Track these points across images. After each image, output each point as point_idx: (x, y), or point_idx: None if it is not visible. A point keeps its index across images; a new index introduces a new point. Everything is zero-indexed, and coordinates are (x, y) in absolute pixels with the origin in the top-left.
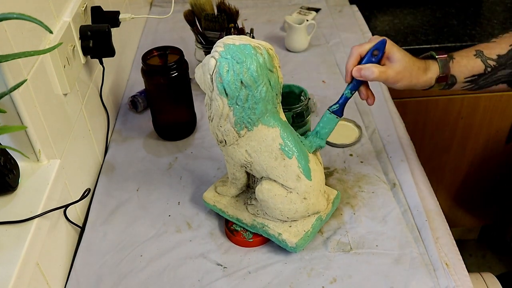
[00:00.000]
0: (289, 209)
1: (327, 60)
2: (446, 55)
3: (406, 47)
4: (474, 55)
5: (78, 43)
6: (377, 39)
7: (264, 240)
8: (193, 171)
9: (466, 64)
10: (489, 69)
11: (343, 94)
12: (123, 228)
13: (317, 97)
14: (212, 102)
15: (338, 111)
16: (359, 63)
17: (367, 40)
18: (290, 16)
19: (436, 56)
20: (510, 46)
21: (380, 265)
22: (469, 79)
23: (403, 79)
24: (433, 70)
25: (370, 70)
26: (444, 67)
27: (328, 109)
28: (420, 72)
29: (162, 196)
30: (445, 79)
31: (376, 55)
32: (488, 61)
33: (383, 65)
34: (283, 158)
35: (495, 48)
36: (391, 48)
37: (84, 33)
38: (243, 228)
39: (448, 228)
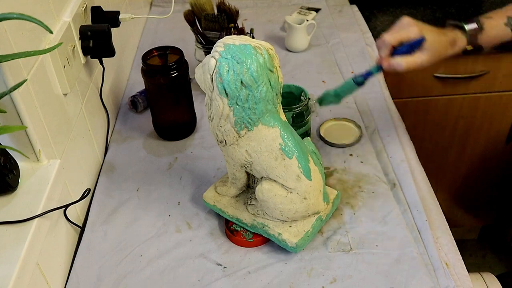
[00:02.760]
0: (289, 209)
1: (327, 60)
2: (476, 26)
3: None
4: (505, 23)
5: (78, 43)
6: (411, 29)
7: (264, 240)
8: (193, 171)
9: (495, 34)
10: None
11: (369, 70)
12: (123, 228)
13: (317, 97)
14: (212, 102)
15: (361, 82)
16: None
17: (394, 26)
18: (290, 16)
19: (466, 29)
20: None
21: (380, 265)
22: (495, 46)
23: (430, 61)
24: (460, 43)
25: (399, 64)
26: (473, 39)
27: (352, 78)
28: (448, 47)
29: (162, 196)
30: (472, 49)
31: (411, 49)
32: None
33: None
34: (283, 158)
35: None
36: (423, 33)
37: (84, 33)
38: (243, 228)
39: (448, 228)
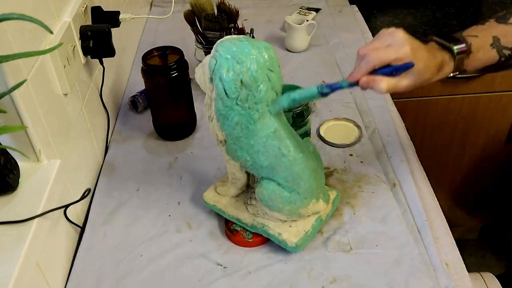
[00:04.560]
0: (289, 209)
1: (327, 60)
2: (464, 46)
3: None
4: (491, 44)
5: (78, 43)
6: (402, 49)
7: (264, 240)
8: (193, 171)
9: (481, 57)
10: (502, 59)
11: (339, 83)
12: (123, 228)
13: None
14: (212, 102)
15: (326, 94)
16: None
17: (384, 37)
18: (290, 16)
19: (455, 50)
20: None
21: (380, 265)
22: (479, 69)
23: (413, 87)
24: (446, 68)
25: (379, 86)
26: (460, 64)
27: (317, 87)
28: (434, 73)
29: (162, 196)
30: (456, 74)
31: (395, 72)
32: (504, 50)
33: None
34: (283, 158)
35: None
36: (414, 57)
37: (84, 33)
38: (243, 228)
39: (448, 228)
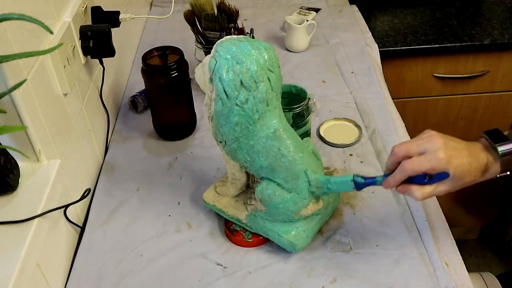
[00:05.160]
0: (289, 209)
1: (327, 60)
2: (511, 151)
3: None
4: None
5: (78, 43)
6: (437, 157)
7: (263, 240)
8: (193, 171)
9: None
10: None
11: (375, 179)
12: (123, 228)
13: (317, 97)
14: (212, 102)
15: (360, 184)
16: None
17: (421, 141)
18: (290, 16)
19: (500, 155)
20: None
21: (380, 265)
22: None
23: (451, 190)
24: (493, 170)
25: (414, 196)
26: (507, 164)
27: (354, 175)
28: (477, 176)
29: (162, 196)
30: (507, 174)
31: (429, 180)
32: None
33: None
34: (283, 158)
35: None
36: (450, 165)
37: (84, 33)
38: (243, 228)
39: (448, 228)
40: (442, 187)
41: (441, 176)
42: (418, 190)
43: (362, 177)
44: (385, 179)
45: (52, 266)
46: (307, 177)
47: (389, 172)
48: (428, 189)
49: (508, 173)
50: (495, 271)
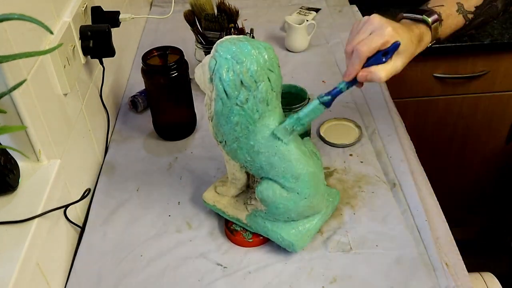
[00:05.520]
0: (289, 209)
1: (327, 60)
2: (437, 17)
3: None
4: (457, 10)
5: (78, 43)
6: (385, 31)
7: (263, 240)
8: (193, 171)
9: (451, 23)
10: (467, 22)
11: (337, 87)
12: (123, 228)
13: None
14: (212, 102)
15: (328, 102)
16: (365, 63)
17: (363, 27)
18: (290, 16)
19: (430, 21)
20: None
21: (380, 265)
22: (450, 34)
23: (405, 64)
24: (426, 39)
25: (378, 76)
26: (435, 33)
27: (318, 98)
28: (416, 46)
29: (162, 196)
30: (433, 43)
31: (385, 56)
32: (468, 14)
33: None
34: (283, 158)
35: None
36: (398, 36)
37: (84, 33)
38: (243, 228)
39: (448, 228)
40: (399, 62)
41: (394, 46)
42: (380, 70)
43: (326, 94)
44: (344, 73)
45: (52, 266)
46: (276, 131)
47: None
48: (388, 65)
49: (435, 42)
50: (495, 271)
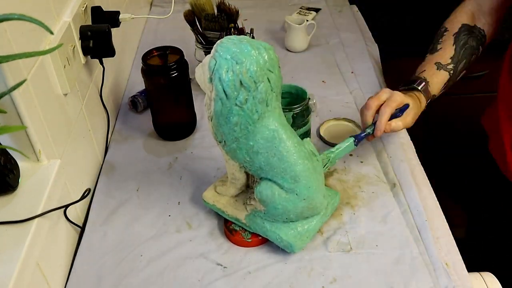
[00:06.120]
0: (288, 209)
1: (327, 60)
2: (424, 82)
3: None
4: (437, 68)
5: (78, 43)
6: (397, 97)
7: (262, 240)
8: (193, 171)
9: (437, 81)
10: (451, 72)
11: (365, 131)
12: (123, 228)
13: (317, 97)
14: (212, 102)
15: (359, 141)
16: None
17: (381, 95)
18: (290, 16)
19: (419, 88)
20: (453, 45)
21: (380, 265)
22: (443, 88)
23: (414, 119)
24: (422, 100)
25: (398, 125)
26: (427, 93)
27: (353, 136)
28: (419, 107)
29: (162, 196)
30: (430, 100)
31: (400, 111)
32: (447, 66)
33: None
34: (282, 158)
35: (445, 54)
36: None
37: (84, 33)
38: (242, 228)
39: (448, 228)
40: (409, 117)
41: (406, 107)
42: (398, 122)
43: (357, 135)
44: (375, 127)
45: (52, 266)
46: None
47: (369, 126)
48: (402, 120)
49: (430, 100)
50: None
